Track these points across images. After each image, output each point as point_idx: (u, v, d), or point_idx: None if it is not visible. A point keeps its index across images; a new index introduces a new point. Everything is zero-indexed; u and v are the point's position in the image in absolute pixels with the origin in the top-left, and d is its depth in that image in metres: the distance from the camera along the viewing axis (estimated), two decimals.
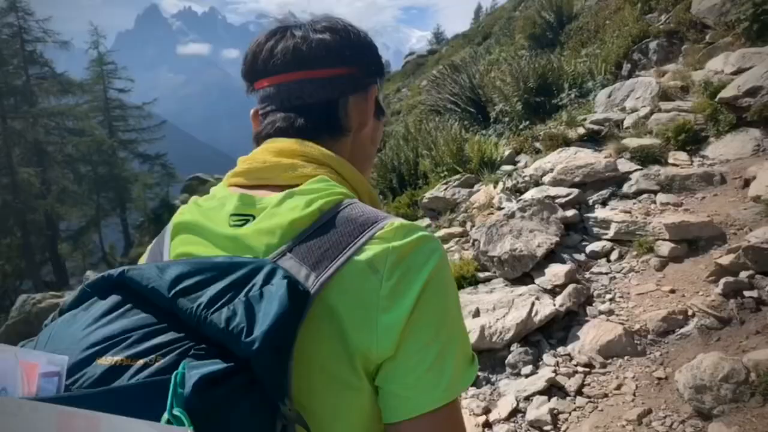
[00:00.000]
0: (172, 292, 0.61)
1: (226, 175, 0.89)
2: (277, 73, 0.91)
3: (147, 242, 25.39)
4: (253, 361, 0.57)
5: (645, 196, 4.51)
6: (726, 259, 3.40)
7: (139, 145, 33.44)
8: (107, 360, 0.56)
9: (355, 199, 0.79)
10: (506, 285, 4.13)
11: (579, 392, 3.01)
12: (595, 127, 5.69)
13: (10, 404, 0.43)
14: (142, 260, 0.89)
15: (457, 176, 6.26)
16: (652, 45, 7.49)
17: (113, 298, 0.64)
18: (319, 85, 0.89)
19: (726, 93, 4.98)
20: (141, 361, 0.55)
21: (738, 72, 5.31)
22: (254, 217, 0.76)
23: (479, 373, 3.40)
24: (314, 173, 0.81)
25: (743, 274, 3.27)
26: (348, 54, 0.92)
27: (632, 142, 5.11)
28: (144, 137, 33.45)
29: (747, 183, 4.26)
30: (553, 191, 4.81)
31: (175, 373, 0.53)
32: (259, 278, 0.63)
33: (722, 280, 3.30)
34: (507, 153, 6.39)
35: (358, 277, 0.68)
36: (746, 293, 3.18)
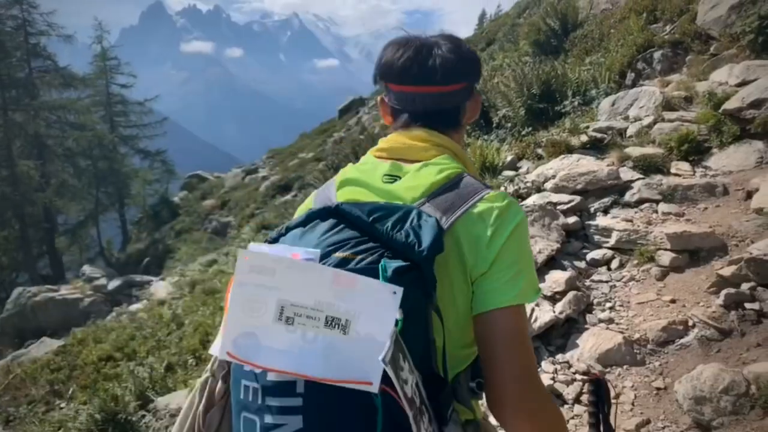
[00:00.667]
0: (370, 218, 0.98)
1: (368, 150, 1.27)
2: (415, 84, 1.23)
3: (144, 238, 25.35)
4: (423, 263, 0.93)
5: (647, 205, 4.49)
6: (727, 271, 3.39)
7: (139, 141, 33.43)
8: (339, 254, 0.93)
9: (467, 173, 1.17)
10: None
11: (577, 400, 2.99)
12: (598, 135, 5.68)
13: (309, 263, 0.87)
14: (307, 205, 1.27)
15: None
16: (657, 55, 7.49)
17: (330, 221, 1.01)
18: (448, 95, 1.25)
19: (730, 104, 4.98)
20: (359, 257, 0.93)
21: (742, 84, 5.30)
22: (400, 178, 1.15)
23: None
24: (439, 153, 1.19)
25: (745, 286, 3.26)
26: (468, 71, 1.27)
27: (635, 150, 5.10)
28: (145, 133, 33.46)
29: (749, 195, 4.25)
30: (555, 198, 4.79)
31: (381, 264, 0.90)
32: (413, 216, 1.00)
33: (723, 292, 3.28)
34: (509, 158, 6.37)
35: (472, 222, 1.07)
36: (747, 305, 3.17)
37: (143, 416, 5.03)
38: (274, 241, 1.04)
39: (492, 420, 1.20)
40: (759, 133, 4.76)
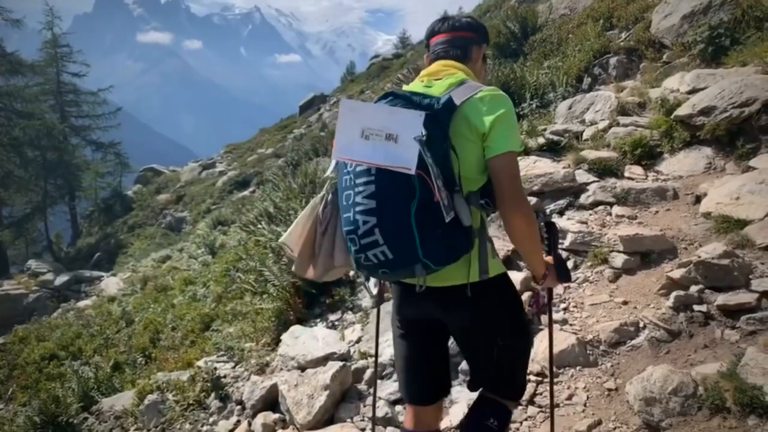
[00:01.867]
0: (416, 96, 1.78)
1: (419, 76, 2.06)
2: (438, 34, 2.11)
3: (96, 233, 24.48)
4: (439, 113, 1.71)
5: (601, 207, 4.56)
6: (677, 273, 3.45)
7: (92, 132, 32.30)
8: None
9: (472, 80, 1.94)
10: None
11: (531, 401, 3.00)
12: (555, 138, 5.75)
13: (377, 104, 1.81)
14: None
15: None
16: (612, 60, 7.65)
17: (390, 99, 1.80)
18: (457, 39, 2.08)
19: (681, 111, 5.11)
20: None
21: (693, 91, 5.45)
22: (431, 86, 1.89)
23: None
24: (455, 73, 1.95)
25: (693, 289, 3.33)
26: (473, 29, 2.11)
27: (590, 154, 5.18)
28: (98, 124, 32.32)
29: (698, 199, 4.37)
30: None
31: (419, 113, 1.65)
32: (435, 98, 1.76)
33: (673, 294, 3.35)
34: None
35: (475, 102, 1.79)
36: (695, 307, 3.23)
37: (86, 419, 4.83)
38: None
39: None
40: (708, 139, 4.90)
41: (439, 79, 1.92)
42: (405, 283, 1.94)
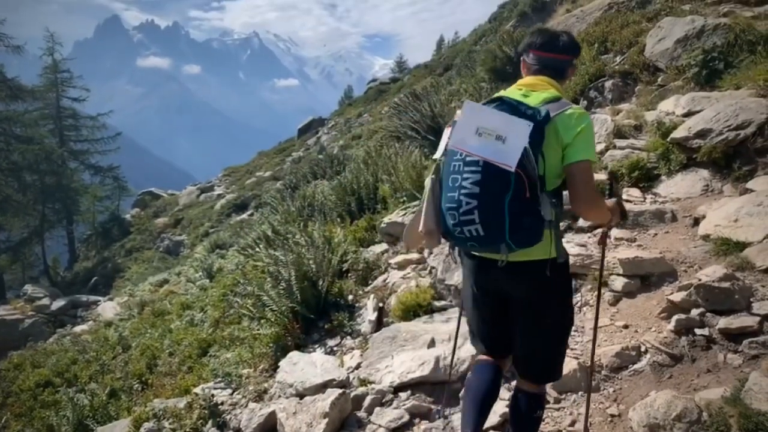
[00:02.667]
0: (521, 105, 2.09)
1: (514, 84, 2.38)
2: (545, 51, 2.34)
3: (93, 257, 24.40)
4: (539, 124, 2.03)
5: (600, 230, 4.55)
6: (677, 296, 3.44)
7: (91, 156, 32.43)
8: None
9: (563, 98, 2.22)
10: (463, 314, 4.08)
11: None
12: None
13: (492, 109, 2.09)
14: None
15: (416, 202, 6.23)
16: (608, 84, 7.72)
17: (498, 103, 2.12)
18: (560, 61, 2.34)
19: (677, 134, 5.14)
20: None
21: (688, 114, 5.49)
22: (529, 96, 2.18)
23: (432, 406, 3.31)
24: (550, 88, 2.25)
25: (694, 312, 3.31)
26: (573, 51, 2.38)
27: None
28: (97, 148, 32.49)
29: (697, 221, 4.37)
30: None
31: (527, 123, 2.00)
32: (537, 110, 2.07)
33: (674, 317, 3.33)
34: None
35: (565, 117, 2.10)
36: (697, 331, 3.21)
37: None
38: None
39: None
40: (705, 161, 4.92)
41: (535, 90, 2.23)
42: (479, 257, 2.27)
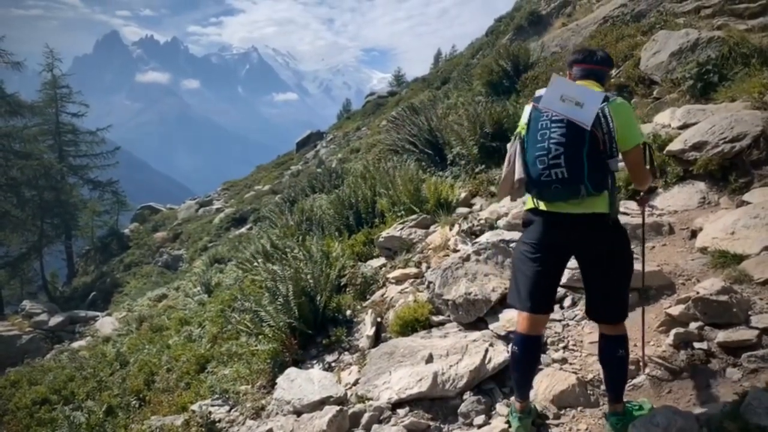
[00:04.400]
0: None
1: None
2: (587, 63, 2.92)
3: (92, 272, 24.31)
4: (606, 98, 2.67)
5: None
6: (676, 310, 3.43)
7: (90, 171, 32.49)
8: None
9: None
10: (460, 329, 4.07)
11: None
12: None
13: (573, 82, 2.86)
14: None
15: (414, 216, 6.24)
16: None
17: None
18: (601, 72, 2.94)
19: (673, 146, 5.16)
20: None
21: (684, 126, 5.51)
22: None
23: (430, 423, 3.28)
24: (599, 87, 2.81)
25: (693, 325, 3.30)
26: (608, 62, 2.98)
27: None
28: (96, 163, 32.56)
29: (694, 234, 4.37)
30: (508, 236, 4.81)
31: (601, 94, 2.69)
32: (603, 96, 2.67)
33: (673, 331, 3.31)
34: (463, 195, 6.42)
35: (616, 105, 2.67)
36: (696, 344, 3.20)
37: None
38: None
39: None
40: (701, 174, 4.93)
41: (588, 86, 2.75)
42: (554, 214, 2.72)
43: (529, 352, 2.86)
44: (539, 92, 2.76)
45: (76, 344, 13.34)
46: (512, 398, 3.06)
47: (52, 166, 28.39)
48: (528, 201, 2.87)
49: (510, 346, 2.93)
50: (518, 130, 2.82)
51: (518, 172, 2.72)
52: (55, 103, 30.66)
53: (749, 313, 3.25)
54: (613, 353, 2.77)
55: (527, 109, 2.80)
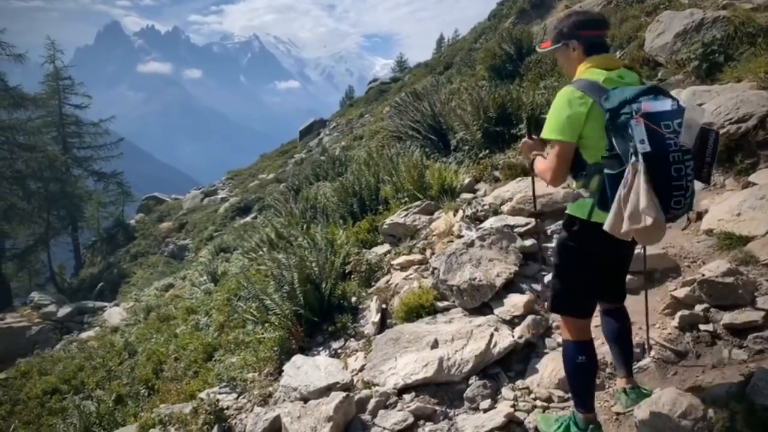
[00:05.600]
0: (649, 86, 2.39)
1: (588, 63, 2.58)
2: (604, 29, 2.65)
3: (99, 263, 24.49)
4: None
5: None
6: (681, 292, 3.42)
7: (94, 162, 32.61)
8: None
9: None
10: (465, 315, 4.07)
11: (538, 429, 2.94)
12: None
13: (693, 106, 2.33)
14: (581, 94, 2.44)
15: (418, 203, 6.23)
16: None
17: (656, 94, 2.33)
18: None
19: None
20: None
21: None
22: (626, 74, 2.53)
23: (436, 408, 3.30)
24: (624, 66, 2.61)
25: (698, 308, 3.29)
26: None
27: None
28: (100, 154, 32.66)
29: (700, 216, 4.34)
30: (512, 220, 4.80)
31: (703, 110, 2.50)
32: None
33: (678, 314, 3.31)
34: (467, 181, 6.40)
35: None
36: (702, 327, 3.19)
37: None
38: (643, 95, 2.31)
39: None
40: None
41: (619, 68, 2.52)
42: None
43: (595, 356, 2.78)
44: (651, 105, 2.25)
45: (84, 335, 13.47)
46: (574, 410, 2.79)
47: (56, 158, 28.48)
48: (598, 215, 2.48)
49: (574, 356, 2.71)
50: (631, 153, 2.24)
51: (655, 217, 2.21)
52: (58, 95, 30.67)
53: (755, 294, 3.24)
54: (626, 324, 2.90)
55: (639, 128, 2.22)
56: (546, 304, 2.88)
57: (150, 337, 8.75)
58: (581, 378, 2.73)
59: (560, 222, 4.70)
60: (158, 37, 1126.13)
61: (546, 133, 2.50)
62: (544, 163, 2.65)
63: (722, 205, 4.18)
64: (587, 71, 2.52)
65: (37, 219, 28.51)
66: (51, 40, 30.85)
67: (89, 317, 16.57)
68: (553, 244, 4.45)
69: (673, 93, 6.00)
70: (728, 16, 6.49)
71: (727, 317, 3.15)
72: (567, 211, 2.67)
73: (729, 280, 3.24)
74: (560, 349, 3.47)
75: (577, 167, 2.56)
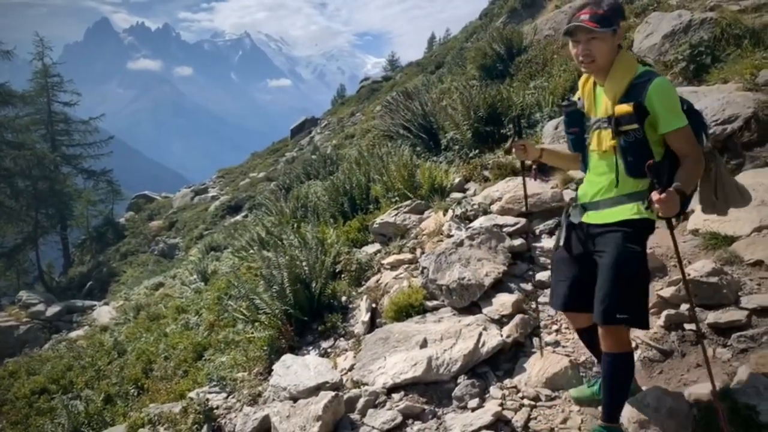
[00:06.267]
0: None
1: None
2: None
3: (88, 261, 24.34)
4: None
5: None
6: (667, 292, 3.46)
7: (84, 160, 32.37)
8: None
9: None
10: (454, 314, 4.10)
11: (525, 427, 2.96)
12: None
13: None
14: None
15: (408, 202, 6.24)
16: None
17: None
18: None
19: None
20: None
21: None
22: None
23: (425, 407, 3.32)
24: None
25: (684, 307, 3.33)
26: None
27: (578, 173, 5.20)
28: (89, 152, 32.43)
29: (686, 216, 4.38)
30: (501, 220, 4.83)
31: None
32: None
33: (664, 313, 3.35)
34: (457, 180, 6.42)
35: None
36: (686, 326, 3.23)
37: None
38: None
39: None
40: None
41: None
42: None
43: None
44: None
45: (73, 334, 13.39)
46: (607, 425, 2.62)
47: (45, 156, 28.27)
48: (651, 213, 2.44)
49: (632, 367, 2.60)
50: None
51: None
52: (46, 92, 30.43)
53: (739, 293, 3.28)
54: None
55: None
56: (622, 318, 2.40)
57: (139, 336, 8.71)
58: (622, 386, 2.59)
59: (549, 221, 4.75)
60: (148, 34, 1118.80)
61: (680, 121, 2.39)
62: (691, 162, 2.41)
63: None
64: (637, 62, 2.52)
65: (26, 217, 28.29)
66: (39, 36, 30.60)
67: (78, 316, 16.47)
68: (541, 244, 4.49)
69: None
70: (715, 18, 6.55)
71: (712, 317, 3.19)
72: (634, 216, 2.47)
73: (713, 279, 3.28)
74: (548, 348, 3.51)
75: (639, 164, 2.38)
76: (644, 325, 2.47)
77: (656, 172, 2.23)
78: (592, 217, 2.63)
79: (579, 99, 2.78)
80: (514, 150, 3.05)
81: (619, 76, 2.50)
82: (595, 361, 3.28)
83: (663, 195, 2.17)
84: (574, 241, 2.71)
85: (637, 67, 2.49)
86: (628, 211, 2.48)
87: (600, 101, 2.61)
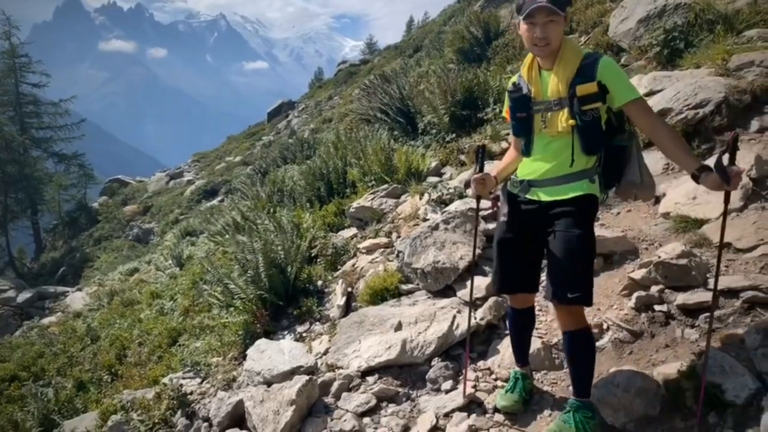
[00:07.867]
0: None
1: None
2: None
3: (60, 247, 23.94)
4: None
5: None
6: (638, 274, 3.50)
7: (54, 143, 31.58)
8: None
9: None
10: (429, 297, 4.11)
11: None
12: None
13: None
14: None
15: (385, 186, 6.22)
16: None
17: None
18: None
19: None
20: None
21: (650, 93, 5.55)
22: None
23: (399, 390, 3.33)
24: None
25: (654, 289, 3.38)
26: None
27: None
28: (60, 135, 31.64)
29: (657, 200, 4.44)
30: None
31: None
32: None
33: (635, 294, 3.39)
34: (433, 164, 6.41)
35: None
36: (656, 307, 3.28)
37: None
38: None
39: None
40: None
41: None
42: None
43: None
44: None
45: (45, 320, 13.16)
46: (582, 400, 2.66)
47: (13, 139, 27.55)
48: (602, 193, 2.73)
49: (579, 341, 2.62)
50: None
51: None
52: (14, 73, 29.57)
53: (707, 275, 3.34)
54: None
55: None
56: (574, 297, 2.46)
57: (113, 322, 8.59)
58: (592, 362, 2.67)
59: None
60: (120, 14, 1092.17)
61: (636, 92, 2.48)
62: (668, 129, 2.62)
63: (679, 189, 4.28)
64: (578, 46, 2.68)
65: None
66: (5, 15, 29.64)
67: (50, 303, 16.19)
68: None
69: (635, 78, 6.16)
70: (689, 3, 6.59)
71: (681, 298, 3.24)
72: (585, 192, 2.55)
73: (683, 262, 3.33)
74: None
75: (596, 142, 2.58)
76: (591, 303, 2.57)
77: (734, 145, 2.37)
78: (542, 195, 2.64)
79: (520, 84, 2.76)
80: (473, 184, 2.95)
81: (568, 58, 2.54)
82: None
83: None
84: (518, 217, 2.72)
85: (582, 50, 2.59)
86: (579, 188, 2.55)
87: (548, 84, 2.62)
